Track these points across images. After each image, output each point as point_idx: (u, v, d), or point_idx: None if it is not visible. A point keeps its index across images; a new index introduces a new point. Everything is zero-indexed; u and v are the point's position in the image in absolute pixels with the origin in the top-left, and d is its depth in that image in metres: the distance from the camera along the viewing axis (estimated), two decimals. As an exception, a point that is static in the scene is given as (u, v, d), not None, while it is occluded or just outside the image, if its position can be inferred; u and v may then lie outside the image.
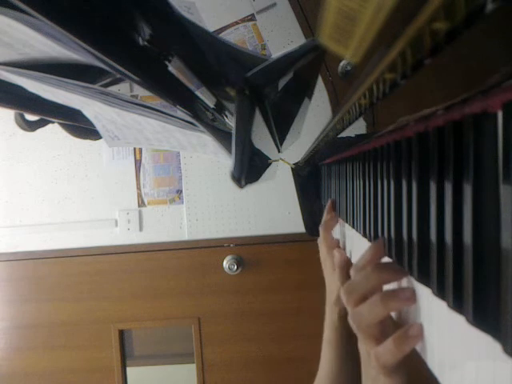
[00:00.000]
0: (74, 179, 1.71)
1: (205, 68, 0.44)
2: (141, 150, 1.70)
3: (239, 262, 1.64)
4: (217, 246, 1.66)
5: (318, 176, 1.11)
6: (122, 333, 1.71)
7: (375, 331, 0.41)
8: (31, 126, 0.72)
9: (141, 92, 1.58)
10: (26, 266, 1.71)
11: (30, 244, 1.71)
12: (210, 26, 1.51)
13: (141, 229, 1.69)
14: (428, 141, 0.32)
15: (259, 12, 1.55)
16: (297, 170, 1.12)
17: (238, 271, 1.64)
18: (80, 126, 0.71)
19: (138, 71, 0.36)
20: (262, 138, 0.40)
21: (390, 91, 0.29)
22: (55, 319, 1.70)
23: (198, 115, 0.48)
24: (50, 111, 0.63)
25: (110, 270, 1.69)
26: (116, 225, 1.69)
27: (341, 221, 0.77)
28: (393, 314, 0.43)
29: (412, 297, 0.38)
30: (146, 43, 0.38)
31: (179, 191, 1.68)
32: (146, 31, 0.37)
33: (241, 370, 1.67)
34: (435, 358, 0.34)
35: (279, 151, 0.63)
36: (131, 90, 1.60)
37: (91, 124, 0.62)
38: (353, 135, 0.55)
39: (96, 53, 0.31)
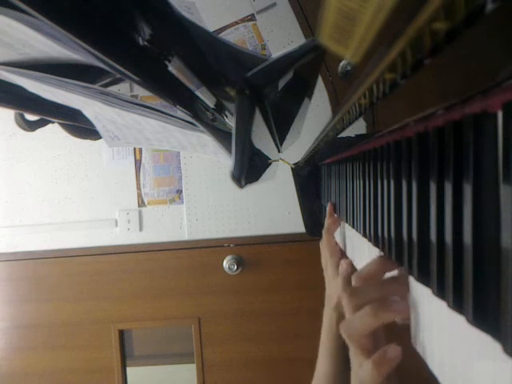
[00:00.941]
0: (74, 179, 1.71)
1: (205, 68, 0.44)
2: (141, 150, 1.70)
3: (239, 261, 1.64)
4: (217, 246, 1.66)
5: (318, 176, 1.11)
6: (121, 333, 1.71)
7: (366, 343, 0.41)
8: (31, 126, 0.72)
9: (141, 92, 1.58)
10: (26, 266, 1.71)
11: (30, 244, 1.71)
12: (210, 25, 1.51)
13: (141, 229, 1.69)
14: (428, 141, 0.32)
15: (259, 12, 1.55)
16: (297, 170, 1.12)
17: (238, 271, 1.64)
18: (80, 126, 0.71)
19: (138, 71, 0.36)
20: (262, 138, 0.40)
21: (390, 91, 0.29)
22: (55, 319, 1.70)
23: (198, 115, 0.48)
24: (50, 111, 0.63)
25: (110, 270, 1.69)
26: (116, 225, 1.70)
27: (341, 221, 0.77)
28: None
29: (405, 309, 0.38)
30: (146, 43, 0.38)
31: (179, 191, 1.68)
32: (146, 31, 0.37)
33: (241, 370, 1.67)
34: (435, 358, 0.34)
35: (279, 151, 0.63)
36: (131, 90, 1.60)
37: (91, 124, 0.62)
38: (353, 135, 0.55)
39: (96, 53, 0.31)
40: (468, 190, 0.26)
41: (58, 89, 0.48)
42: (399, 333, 0.42)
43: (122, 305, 1.69)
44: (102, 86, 0.58)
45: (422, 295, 0.36)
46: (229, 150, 0.49)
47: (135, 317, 1.69)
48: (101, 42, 0.31)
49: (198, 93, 0.47)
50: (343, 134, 0.53)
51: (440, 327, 0.33)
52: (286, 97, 0.44)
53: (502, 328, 0.23)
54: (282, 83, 0.37)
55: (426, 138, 0.32)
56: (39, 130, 0.75)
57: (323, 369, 0.72)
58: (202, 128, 0.50)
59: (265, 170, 0.47)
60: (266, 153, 0.46)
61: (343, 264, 0.67)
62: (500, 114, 0.23)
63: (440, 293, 0.31)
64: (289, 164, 1.07)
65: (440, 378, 0.33)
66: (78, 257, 1.70)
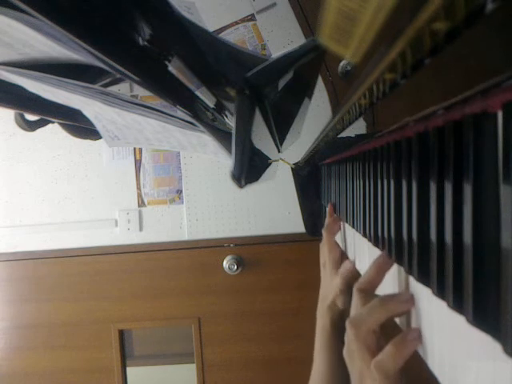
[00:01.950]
0: (74, 179, 1.71)
1: (205, 68, 0.44)
2: (141, 150, 1.70)
3: (239, 261, 1.64)
4: (217, 246, 1.66)
5: (318, 176, 1.11)
6: (121, 333, 1.71)
7: (372, 341, 0.41)
8: (31, 126, 0.72)
9: (141, 92, 1.58)
10: (26, 266, 1.71)
11: (30, 244, 1.71)
12: (210, 26, 1.51)
13: (141, 229, 1.69)
14: (428, 141, 0.32)
15: (259, 12, 1.55)
16: (297, 170, 1.12)
17: (238, 271, 1.64)
18: (80, 126, 0.71)
19: (138, 71, 0.36)
20: (262, 138, 0.40)
21: (390, 91, 0.29)
22: (55, 319, 1.70)
23: (198, 115, 0.48)
24: (50, 111, 0.63)
25: (110, 270, 1.69)
26: (116, 225, 1.69)
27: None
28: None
29: (411, 300, 0.38)
30: (146, 43, 0.38)
31: (179, 191, 1.68)
32: (146, 31, 0.37)
33: (241, 370, 1.67)
34: (435, 358, 0.34)
35: (279, 151, 0.63)
36: (131, 90, 1.60)
37: (91, 124, 0.62)
38: (353, 135, 0.55)
39: (96, 53, 0.31)
40: (468, 190, 0.26)
41: (58, 89, 0.48)
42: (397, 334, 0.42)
43: (122, 305, 1.69)
44: (102, 85, 0.58)
45: (422, 295, 0.36)
46: (229, 150, 0.49)
47: (135, 317, 1.69)
48: (101, 41, 0.31)
49: (198, 93, 0.47)
50: (343, 134, 0.53)
51: (440, 327, 0.33)
52: (285, 97, 0.44)
53: (502, 328, 0.23)
54: (282, 83, 0.37)
55: (425, 138, 0.32)
56: (39, 130, 0.75)
57: (319, 368, 0.72)
58: (202, 128, 0.50)
59: (265, 170, 0.47)
60: (265, 153, 0.46)
61: (346, 264, 0.67)
62: (500, 114, 0.23)
63: (440, 293, 0.31)
64: (289, 164, 1.07)
65: (440, 378, 0.33)
66: (78, 257, 1.70)
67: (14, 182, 1.73)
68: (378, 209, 0.47)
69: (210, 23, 1.50)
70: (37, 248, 1.71)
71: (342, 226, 0.76)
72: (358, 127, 0.46)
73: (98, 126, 0.63)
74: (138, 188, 1.69)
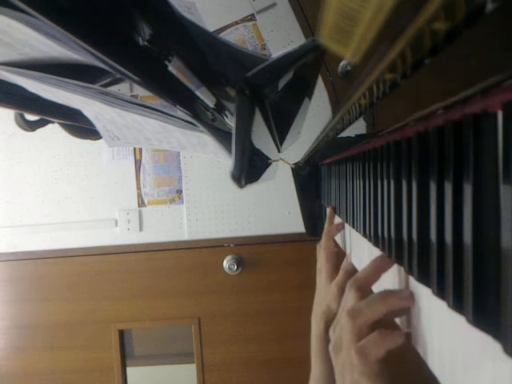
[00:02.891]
0: (74, 179, 1.71)
1: (205, 68, 0.44)
2: (141, 150, 1.70)
3: (239, 262, 1.64)
4: (217, 246, 1.66)
5: (318, 176, 1.11)
6: (121, 333, 1.71)
7: (365, 335, 0.41)
8: (31, 126, 0.72)
9: (141, 92, 1.58)
10: (26, 265, 1.71)
11: (30, 244, 1.71)
12: (210, 26, 1.51)
13: (141, 229, 1.69)
14: (428, 141, 0.32)
15: (259, 12, 1.55)
16: (297, 170, 1.12)
17: (238, 271, 1.64)
18: (80, 126, 0.71)
19: (138, 71, 0.36)
20: (261, 138, 0.40)
21: (390, 91, 0.29)
22: (55, 319, 1.70)
23: (198, 115, 0.48)
24: (50, 111, 0.63)
25: (110, 270, 1.69)
26: (116, 225, 1.69)
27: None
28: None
29: (411, 297, 0.38)
30: (146, 43, 0.38)
31: (179, 191, 1.68)
32: (146, 31, 0.37)
33: (241, 370, 1.67)
34: (435, 358, 0.34)
35: (279, 151, 0.63)
36: (131, 90, 1.60)
37: (91, 124, 0.62)
38: (353, 135, 0.55)
39: (96, 53, 0.31)
40: (468, 190, 0.26)
41: (58, 89, 0.48)
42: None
43: (122, 305, 1.69)
44: (102, 85, 0.58)
45: (422, 295, 0.36)
46: (229, 150, 0.49)
47: (135, 317, 1.69)
48: (101, 41, 0.31)
49: (198, 93, 0.47)
50: (343, 134, 0.53)
51: (440, 327, 0.33)
52: (286, 97, 0.44)
53: (502, 328, 0.23)
54: (281, 83, 0.37)
55: (426, 138, 0.32)
56: (39, 130, 0.75)
57: (317, 372, 0.72)
58: (202, 128, 0.50)
59: (265, 170, 0.47)
60: (265, 153, 0.46)
61: (340, 276, 0.67)
62: (500, 114, 0.23)
63: (440, 293, 0.31)
64: (289, 164, 1.07)
65: (440, 378, 0.33)
66: (78, 257, 1.70)
67: (13, 182, 1.73)
68: (378, 209, 0.47)
69: (210, 23, 1.50)
70: (37, 248, 1.71)
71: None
72: (358, 127, 0.46)
73: (98, 126, 0.63)
74: (138, 188, 1.69)
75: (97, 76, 0.57)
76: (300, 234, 1.55)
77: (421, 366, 0.36)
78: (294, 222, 1.60)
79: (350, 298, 0.45)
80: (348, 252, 0.71)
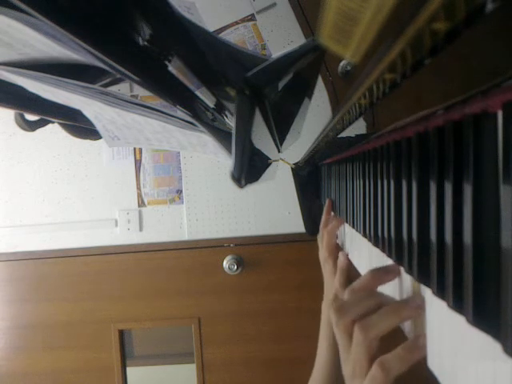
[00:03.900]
0: (74, 179, 1.71)
1: (205, 68, 0.44)
2: (141, 150, 1.69)
3: (239, 261, 1.64)
4: (217, 246, 1.66)
5: (317, 176, 1.11)
6: (121, 333, 1.71)
7: (374, 348, 0.41)
8: (31, 126, 0.72)
9: (141, 92, 1.58)
10: (26, 265, 1.71)
11: (30, 244, 1.71)
12: (210, 26, 1.51)
13: (141, 229, 1.69)
14: (428, 141, 0.32)
15: (259, 12, 1.55)
16: (297, 170, 1.12)
17: (238, 271, 1.64)
18: (80, 126, 0.71)
19: (138, 71, 0.36)
20: (261, 138, 0.40)
21: (390, 91, 0.29)
22: (55, 319, 1.70)
23: (198, 115, 0.48)
24: (50, 111, 0.63)
25: (110, 270, 1.69)
26: (116, 225, 1.69)
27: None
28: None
29: (423, 304, 0.37)
30: (145, 43, 0.38)
31: (179, 191, 1.68)
32: (146, 31, 0.37)
33: (241, 370, 1.67)
34: (435, 358, 0.34)
35: (279, 151, 0.63)
36: (131, 90, 1.60)
37: (91, 124, 0.62)
38: (353, 135, 0.55)
39: (96, 53, 0.31)
40: (468, 190, 0.26)
41: (58, 89, 0.48)
42: (395, 336, 0.42)
43: (122, 305, 1.69)
44: (102, 85, 0.58)
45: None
46: (229, 150, 0.49)
47: (135, 317, 1.69)
48: (101, 41, 0.31)
49: (198, 93, 0.47)
50: (343, 134, 0.53)
51: (440, 327, 0.33)
52: (285, 97, 0.44)
53: (502, 328, 0.23)
54: (281, 83, 0.37)
55: (426, 138, 0.32)
56: (39, 130, 0.75)
57: (324, 357, 0.75)
58: (202, 128, 0.50)
59: (265, 170, 0.47)
60: (265, 153, 0.46)
61: (340, 257, 0.69)
62: (500, 114, 0.23)
63: (440, 293, 0.31)
64: (289, 164, 1.07)
65: (440, 378, 0.33)
66: (78, 257, 1.70)
67: (13, 182, 1.72)
68: (378, 209, 0.47)
69: (210, 23, 1.50)
70: (37, 248, 1.71)
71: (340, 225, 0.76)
72: (358, 127, 0.46)
73: (98, 126, 0.63)
74: (138, 188, 1.69)
75: (97, 76, 0.57)
76: (300, 234, 1.55)
77: (421, 366, 0.36)
78: (294, 222, 1.60)
79: (364, 303, 0.44)
80: (347, 252, 0.71)
